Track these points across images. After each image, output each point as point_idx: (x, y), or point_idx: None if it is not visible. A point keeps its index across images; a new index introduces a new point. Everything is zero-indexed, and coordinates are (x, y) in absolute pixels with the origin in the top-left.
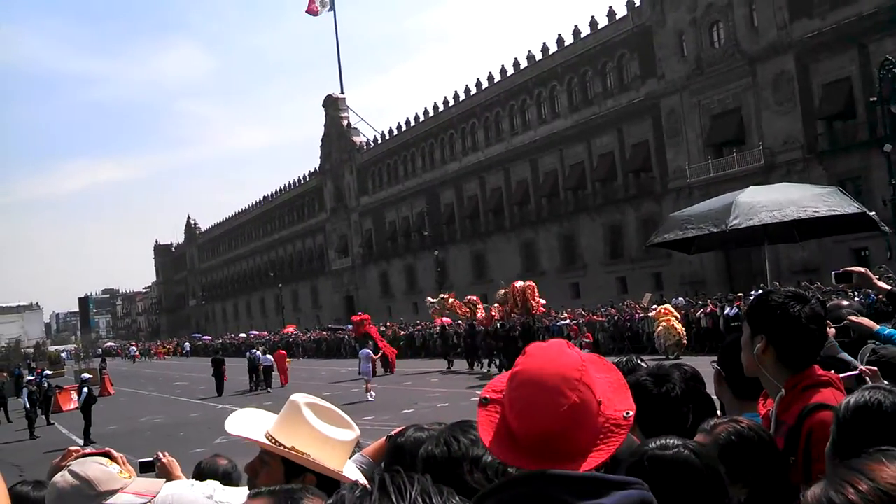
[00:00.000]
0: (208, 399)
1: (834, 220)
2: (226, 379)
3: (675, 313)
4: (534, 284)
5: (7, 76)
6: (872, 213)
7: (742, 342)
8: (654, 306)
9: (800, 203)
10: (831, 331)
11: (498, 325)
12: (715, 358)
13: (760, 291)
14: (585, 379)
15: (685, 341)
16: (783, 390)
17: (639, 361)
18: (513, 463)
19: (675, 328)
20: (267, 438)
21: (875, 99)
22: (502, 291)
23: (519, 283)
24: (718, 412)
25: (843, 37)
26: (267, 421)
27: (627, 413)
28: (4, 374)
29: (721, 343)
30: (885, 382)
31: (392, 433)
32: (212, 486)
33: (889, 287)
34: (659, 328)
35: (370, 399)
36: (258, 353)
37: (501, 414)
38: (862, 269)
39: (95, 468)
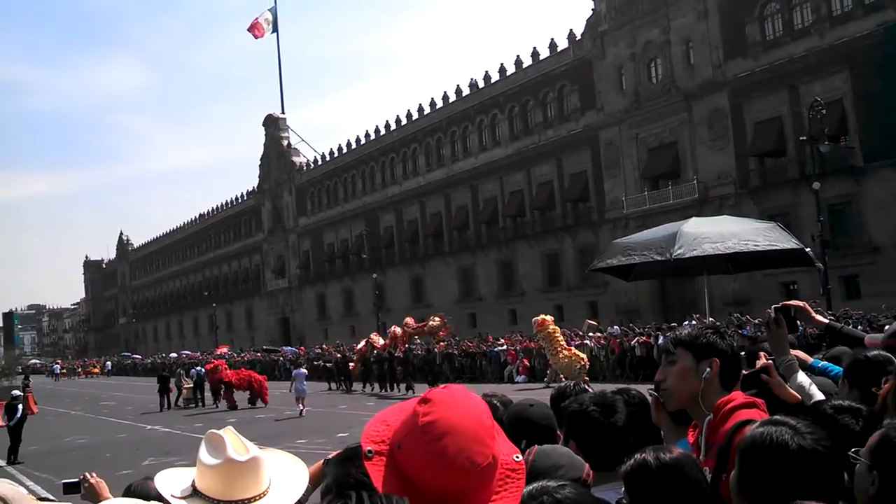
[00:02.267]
0: (136, 420)
1: (770, 255)
2: (172, 392)
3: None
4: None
5: None
6: (808, 250)
7: (677, 371)
8: (591, 333)
9: (741, 236)
10: (769, 361)
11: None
12: (650, 386)
13: (693, 322)
14: (494, 425)
15: (587, 364)
16: (710, 414)
17: (586, 387)
18: None
19: (578, 355)
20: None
21: (805, 138)
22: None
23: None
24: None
25: (775, 77)
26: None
27: (517, 456)
28: None
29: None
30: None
31: (329, 457)
32: None
33: (827, 320)
34: (561, 358)
35: (301, 414)
36: (202, 370)
37: (391, 465)
38: (801, 303)
39: (7, 487)
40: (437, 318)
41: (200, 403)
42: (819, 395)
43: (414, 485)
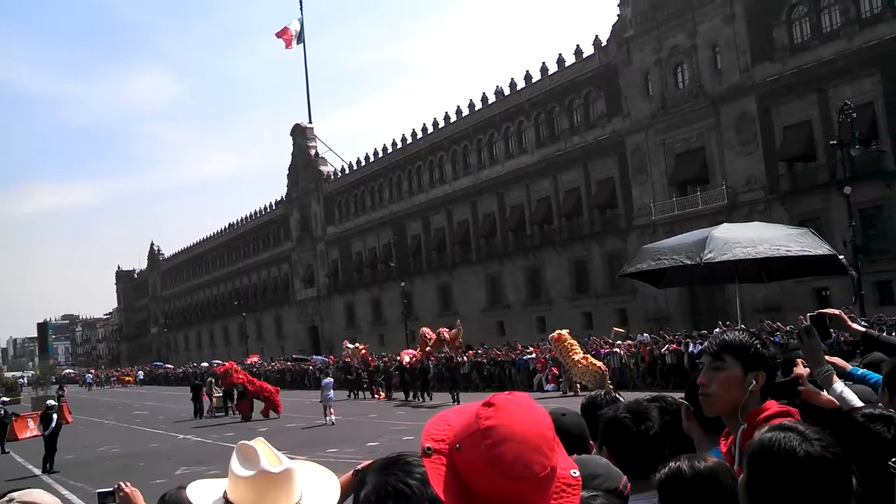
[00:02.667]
0: (169, 429)
1: (802, 262)
2: (205, 398)
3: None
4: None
5: None
6: (841, 257)
7: (724, 379)
8: (619, 341)
9: (773, 242)
10: (806, 370)
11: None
12: (682, 394)
13: (734, 330)
14: (556, 438)
15: (605, 371)
16: (744, 423)
17: (617, 395)
18: None
19: (594, 364)
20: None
21: (835, 142)
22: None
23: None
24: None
25: (804, 81)
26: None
27: (574, 472)
28: None
29: (687, 379)
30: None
31: (359, 467)
32: None
33: (863, 328)
34: (579, 368)
35: (331, 423)
36: None
37: (450, 467)
38: (836, 312)
39: (45, 496)
40: (446, 330)
41: (232, 412)
42: (857, 402)
43: (469, 488)
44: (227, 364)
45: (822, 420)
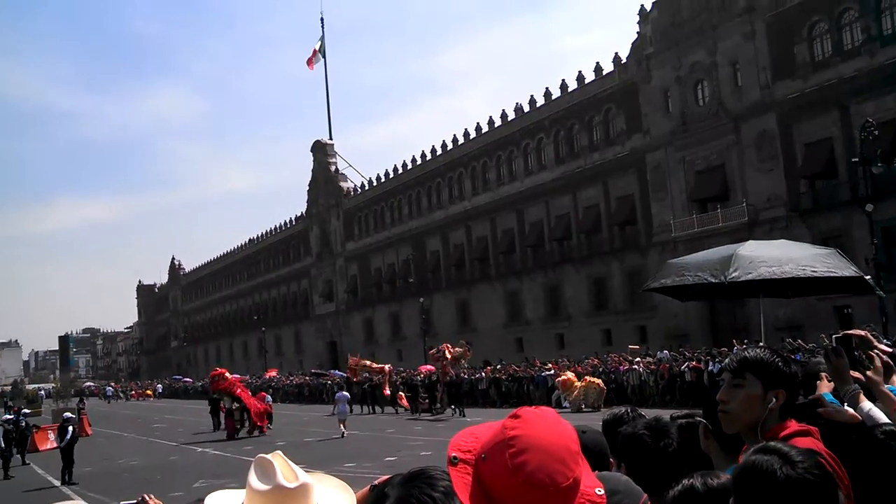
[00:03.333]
0: (188, 442)
1: (829, 281)
2: (223, 411)
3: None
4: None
5: None
6: (868, 278)
7: (744, 397)
8: (637, 358)
9: (799, 262)
10: (830, 384)
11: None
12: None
13: (762, 346)
14: (580, 453)
15: (603, 388)
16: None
17: (640, 413)
18: None
19: (593, 382)
20: None
21: (857, 159)
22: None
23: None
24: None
25: (825, 98)
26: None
27: (599, 490)
28: None
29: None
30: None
31: (376, 482)
32: None
33: (891, 349)
34: (576, 392)
35: (341, 436)
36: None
37: (475, 476)
38: (862, 332)
39: None
40: (451, 348)
41: (247, 424)
42: (884, 420)
43: (493, 497)
44: (219, 370)
45: (844, 437)
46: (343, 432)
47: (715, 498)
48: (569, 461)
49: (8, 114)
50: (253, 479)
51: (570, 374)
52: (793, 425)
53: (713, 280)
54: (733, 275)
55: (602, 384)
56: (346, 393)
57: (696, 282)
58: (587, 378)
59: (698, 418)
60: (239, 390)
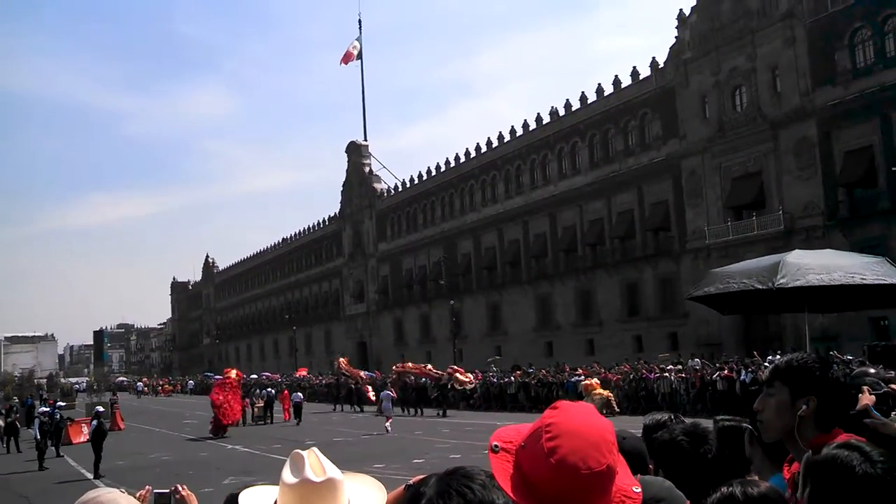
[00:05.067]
0: (218, 438)
1: (874, 293)
2: (247, 408)
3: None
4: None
5: (38, 108)
6: None
7: (775, 405)
8: (666, 366)
9: (847, 269)
10: (871, 398)
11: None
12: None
13: (795, 354)
14: (615, 444)
15: (609, 397)
16: (809, 452)
17: (682, 418)
18: None
19: (606, 395)
20: None
21: None
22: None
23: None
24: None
25: (866, 106)
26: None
27: (636, 488)
28: (14, 400)
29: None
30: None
31: (411, 482)
32: None
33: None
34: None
35: (388, 432)
36: (272, 391)
37: (515, 463)
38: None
39: (123, 500)
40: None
41: (270, 420)
42: None
43: (531, 484)
44: (228, 371)
45: (890, 450)
46: (387, 428)
47: None
48: (602, 448)
49: (49, 112)
50: (285, 472)
51: (595, 381)
52: (842, 436)
53: (760, 286)
54: (781, 281)
55: (607, 394)
56: (390, 392)
57: (742, 288)
58: (599, 389)
59: (744, 424)
60: (214, 394)
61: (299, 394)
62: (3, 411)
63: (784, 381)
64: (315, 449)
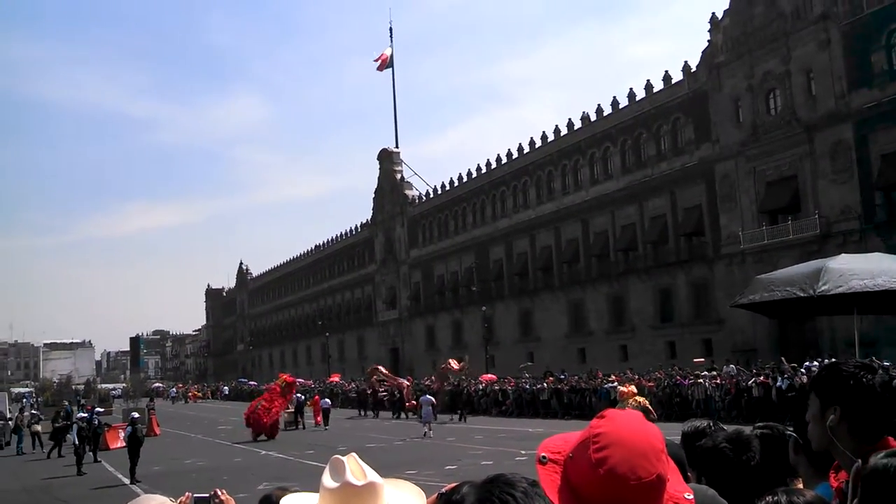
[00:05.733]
0: (251, 444)
1: None
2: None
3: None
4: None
5: (73, 118)
6: None
7: (811, 416)
8: (702, 371)
9: (893, 273)
10: None
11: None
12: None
13: (827, 362)
14: (665, 452)
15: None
16: (858, 461)
17: (722, 426)
18: None
19: (643, 402)
20: None
21: None
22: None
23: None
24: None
25: None
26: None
27: (688, 495)
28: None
29: (774, 413)
30: None
31: (444, 490)
32: None
33: None
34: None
35: (429, 435)
36: (302, 397)
37: (563, 474)
38: None
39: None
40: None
41: (301, 426)
42: None
43: (580, 495)
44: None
45: None
46: (426, 432)
47: None
48: (651, 457)
49: (84, 121)
50: (325, 477)
51: (632, 387)
52: (888, 445)
53: (802, 294)
54: (823, 288)
55: (646, 402)
56: (430, 397)
57: (784, 296)
58: (638, 399)
59: (788, 432)
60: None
61: (327, 400)
62: (52, 416)
63: (816, 392)
64: (354, 454)
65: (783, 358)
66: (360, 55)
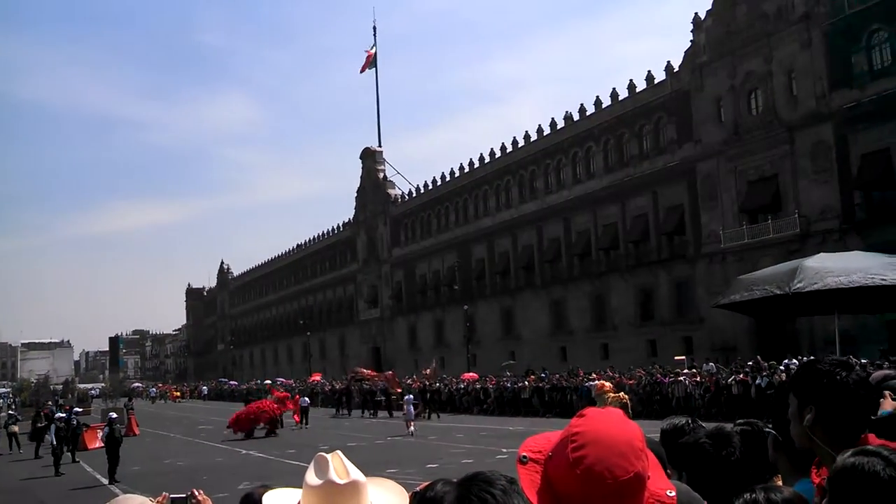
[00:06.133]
0: (233, 444)
1: None
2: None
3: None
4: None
5: (54, 117)
6: None
7: (790, 414)
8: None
9: (868, 271)
10: (894, 403)
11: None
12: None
13: (804, 361)
14: (646, 450)
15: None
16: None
17: (700, 423)
18: None
19: (621, 397)
20: None
21: None
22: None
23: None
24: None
25: (884, 108)
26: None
27: (670, 492)
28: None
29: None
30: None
31: (418, 488)
32: None
33: None
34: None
35: (411, 434)
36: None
37: (543, 474)
38: None
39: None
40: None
41: (280, 425)
42: None
43: (559, 494)
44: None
45: None
46: (411, 431)
47: None
48: (630, 455)
49: (70, 120)
50: (309, 474)
51: (606, 384)
52: (873, 441)
53: (778, 292)
54: (798, 286)
55: (625, 397)
56: (411, 396)
57: (763, 295)
58: (612, 389)
59: (767, 429)
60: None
61: (306, 398)
62: (32, 416)
63: (794, 392)
64: (339, 452)
65: (758, 357)
66: (346, 55)
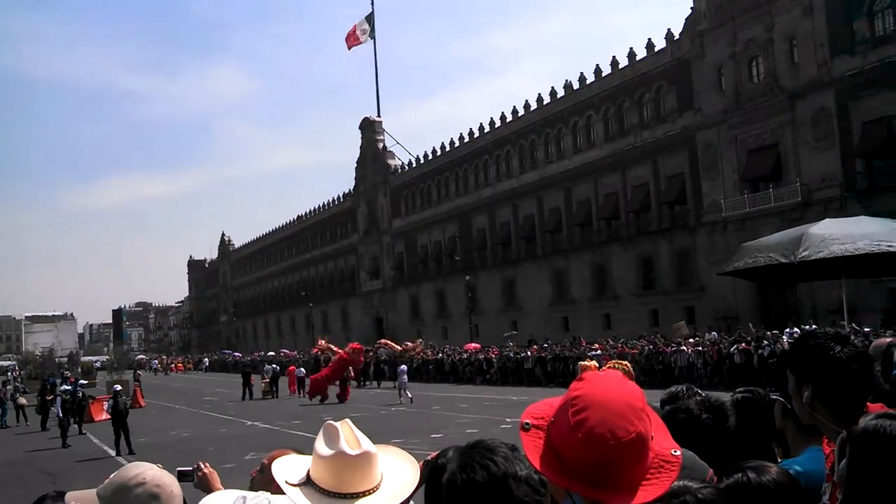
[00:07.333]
0: (238, 415)
1: None
2: (253, 385)
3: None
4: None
5: (53, 90)
6: None
7: (790, 390)
8: (680, 338)
9: (874, 237)
10: None
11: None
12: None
13: (798, 334)
14: (647, 410)
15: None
16: (844, 432)
17: (697, 390)
18: (565, 486)
19: (625, 365)
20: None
21: None
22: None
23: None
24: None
25: (885, 75)
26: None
27: (675, 451)
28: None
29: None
30: None
31: (429, 457)
32: (265, 496)
33: None
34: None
35: (405, 401)
36: (276, 367)
37: (546, 439)
38: None
39: (164, 475)
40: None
41: (275, 395)
42: None
43: (562, 458)
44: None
45: None
46: (410, 398)
47: (765, 495)
48: (630, 416)
49: (69, 94)
50: (319, 444)
51: (592, 363)
52: (878, 410)
53: (784, 260)
54: (803, 254)
55: (628, 365)
56: (405, 366)
57: (767, 262)
58: (612, 360)
59: (775, 396)
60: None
61: (302, 369)
62: (39, 389)
63: (791, 369)
64: (349, 421)
65: (750, 324)
66: (344, 24)
